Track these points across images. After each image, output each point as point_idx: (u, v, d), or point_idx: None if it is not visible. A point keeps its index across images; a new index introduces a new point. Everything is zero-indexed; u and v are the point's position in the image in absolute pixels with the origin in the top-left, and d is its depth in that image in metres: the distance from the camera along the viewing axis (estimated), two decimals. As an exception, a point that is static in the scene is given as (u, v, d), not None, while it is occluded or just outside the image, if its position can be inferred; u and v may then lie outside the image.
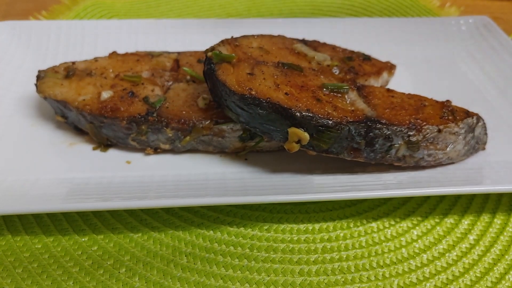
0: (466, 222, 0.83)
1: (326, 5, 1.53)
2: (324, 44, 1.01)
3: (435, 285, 0.73)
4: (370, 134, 0.77)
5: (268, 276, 0.73)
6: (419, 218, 0.83)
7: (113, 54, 1.01)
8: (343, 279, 0.73)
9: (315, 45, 1.00)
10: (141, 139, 0.88)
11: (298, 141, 0.77)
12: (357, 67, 0.96)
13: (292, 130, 0.76)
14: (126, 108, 0.87)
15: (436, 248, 0.78)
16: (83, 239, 0.78)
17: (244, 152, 0.90)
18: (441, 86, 1.12)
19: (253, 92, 0.76)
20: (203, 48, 0.98)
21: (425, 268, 0.75)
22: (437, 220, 0.83)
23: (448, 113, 0.82)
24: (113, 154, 0.91)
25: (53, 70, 0.96)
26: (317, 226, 0.81)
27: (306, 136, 0.76)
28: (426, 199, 0.87)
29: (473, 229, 0.82)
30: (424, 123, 0.79)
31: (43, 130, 0.96)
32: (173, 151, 0.91)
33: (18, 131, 0.95)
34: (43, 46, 1.17)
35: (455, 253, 0.78)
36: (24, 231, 0.79)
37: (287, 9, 1.51)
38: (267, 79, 0.80)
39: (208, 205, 0.83)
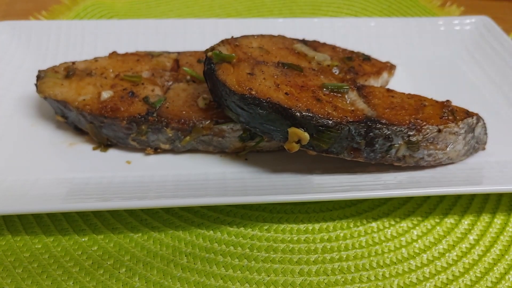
0: (466, 222, 0.83)
1: (326, 5, 1.53)
2: (324, 44, 1.01)
3: (435, 285, 0.73)
4: (370, 134, 0.77)
5: (268, 276, 0.73)
6: (419, 218, 0.83)
7: (113, 54, 1.01)
8: (343, 279, 0.73)
9: (315, 45, 1.00)
10: (141, 139, 0.88)
11: (298, 141, 0.77)
12: (357, 67, 0.96)
13: (292, 130, 0.76)
14: (126, 108, 0.87)
15: (436, 248, 0.78)
16: (83, 239, 0.78)
17: (244, 152, 0.90)
18: (441, 86, 1.12)
19: (253, 92, 0.76)
20: (203, 48, 0.98)
21: (425, 268, 0.75)
22: (437, 220, 0.83)
23: (448, 113, 0.82)
24: (113, 154, 0.91)
25: (53, 70, 0.96)
26: (317, 226, 0.81)
27: (306, 136, 0.76)
28: (426, 199, 0.87)
29: (473, 229, 0.82)
30: (424, 123, 0.79)
31: (43, 130, 0.96)
32: (173, 151, 0.91)
33: (18, 131, 0.95)
34: (43, 46, 1.17)
35: (455, 253, 0.78)
36: (24, 231, 0.79)
37: (287, 9, 1.51)
38: (267, 79, 0.80)
39: (208, 205, 0.83)
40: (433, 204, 0.86)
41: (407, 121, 0.79)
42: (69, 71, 0.95)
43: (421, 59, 1.22)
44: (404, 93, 0.87)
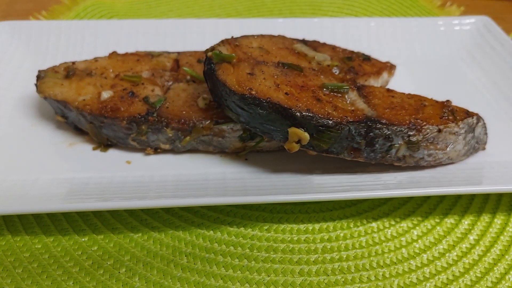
0: (466, 222, 0.83)
1: (326, 5, 1.53)
2: (324, 44, 1.01)
3: (435, 285, 0.73)
4: (370, 134, 0.77)
5: (268, 276, 0.73)
6: (419, 218, 0.83)
7: (113, 54, 1.01)
8: (343, 279, 0.73)
9: (315, 45, 1.00)
10: (141, 139, 0.88)
11: (298, 141, 0.77)
12: (357, 67, 0.96)
13: (292, 130, 0.76)
14: (126, 108, 0.87)
15: (436, 248, 0.78)
16: (83, 239, 0.78)
17: (244, 152, 0.90)
18: (441, 86, 1.12)
19: (253, 92, 0.76)
20: (203, 48, 0.98)
21: (425, 268, 0.75)
22: (437, 220, 0.83)
23: (448, 113, 0.82)
24: (113, 154, 0.91)
25: (53, 70, 0.96)
26: (317, 226, 0.81)
27: (306, 136, 0.76)
28: (426, 199, 0.87)
29: (473, 229, 0.82)
30: (424, 123, 0.79)
31: (43, 130, 0.96)
32: (173, 151, 0.91)
33: (18, 131, 0.95)
34: (43, 46, 1.17)
35: (455, 253, 0.78)
36: (24, 231, 0.79)
37: (287, 9, 1.51)
38: (267, 79, 0.80)
39: (208, 205, 0.83)
40: (433, 204, 0.86)
41: (407, 121, 0.79)
42: (69, 71, 0.95)
43: (421, 59, 1.22)
44: (404, 93, 0.87)
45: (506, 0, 1.62)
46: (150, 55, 1.01)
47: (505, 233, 0.81)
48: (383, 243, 0.79)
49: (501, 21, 1.35)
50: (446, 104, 0.85)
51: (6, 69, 1.08)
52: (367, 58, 1.01)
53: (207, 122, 0.86)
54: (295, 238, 0.79)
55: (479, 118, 0.86)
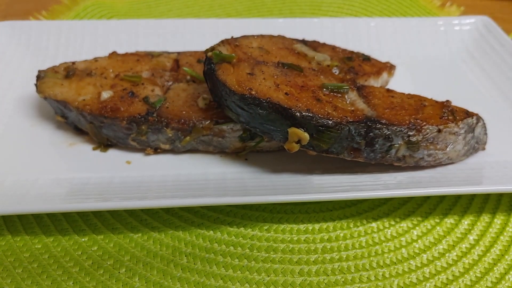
0: (466, 222, 0.83)
1: (326, 5, 1.53)
2: (324, 44, 1.01)
3: (435, 285, 0.73)
4: (370, 134, 0.77)
5: (268, 276, 0.73)
6: (419, 218, 0.83)
7: (113, 54, 1.01)
8: (343, 279, 0.73)
9: (315, 45, 1.00)
10: (141, 139, 0.88)
11: (298, 141, 0.77)
12: (357, 67, 0.96)
13: (292, 130, 0.76)
14: (126, 108, 0.87)
15: (436, 248, 0.78)
16: (83, 239, 0.78)
17: (244, 152, 0.90)
18: (441, 86, 1.12)
19: (253, 92, 0.76)
20: (203, 48, 0.98)
21: (425, 268, 0.75)
22: (437, 220, 0.83)
23: (448, 113, 0.82)
24: (113, 154, 0.91)
25: (53, 70, 0.96)
26: (317, 226, 0.81)
27: (306, 136, 0.76)
28: (426, 199, 0.87)
29: (473, 229, 0.82)
30: (424, 123, 0.79)
31: (43, 130, 0.96)
32: (173, 151, 0.91)
33: (18, 131, 0.95)
34: (43, 46, 1.17)
35: (455, 253, 0.78)
36: (24, 231, 0.79)
37: (287, 9, 1.51)
38: (267, 79, 0.80)
39: (208, 205, 0.83)
40: (433, 204, 0.86)
41: (407, 121, 0.79)
42: (69, 71, 0.95)
43: (421, 59, 1.22)
44: (404, 93, 0.87)
45: (506, 0, 1.62)
46: (150, 55, 1.01)
47: (505, 233, 0.81)
48: (383, 243, 0.79)
49: (501, 21, 1.35)
50: (446, 104, 0.85)
51: (6, 69, 1.08)
52: (367, 58, 1.01)
53: (207, 122, 0.86)
54: (295, 238, 0.79)
55: (479, 118, 0.86)
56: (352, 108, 0.80)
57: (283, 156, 0.90)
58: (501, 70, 1.13)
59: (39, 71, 0.96)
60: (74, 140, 0.94)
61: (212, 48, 0.84)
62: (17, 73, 1.09)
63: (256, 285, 0.72)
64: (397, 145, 0.79)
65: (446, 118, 0.81)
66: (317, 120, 0.75)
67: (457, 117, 0.82)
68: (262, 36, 0.95)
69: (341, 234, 0.80)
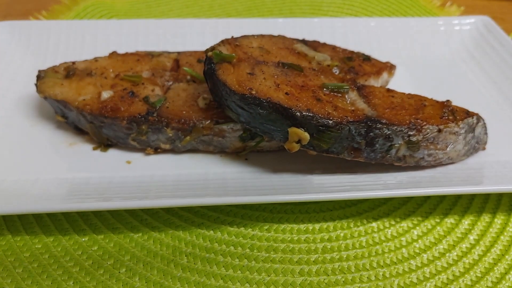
0: (466, 222, 0.83)
1: (326, 5, 1.53)
2: (324, 44, 1.01)
3: (435, 285, 0.73)
4: (371, 134, 0.77)
5: (268, 276, 0.73)
6: (419, 218, 0.83)
7: (113, 54, 1.01)
8: (343, 279, 0.73)
9: (315, 45, 1.00)
10: (141, 139, 0.88)
11: (299, 141, 0.77)
12: (357, 67, 0.96)
13: (293, 130, 0.76)
14: (126, 108, 0.87)
15: (437, 248, 0.78)
16: (83, 239, 0.78)
17: (244, 152, 0.90)
18: (441, 86, 1.12)
19: (254, 92, 0.76)
20: (203, 48, 0.98)
21: (426, 268, 0.75)
22: (437, 220, 0.83)
23: (448, 113, 0.82)
24: (113, 154, 0.91)
25: (53, 70, 0.96)
26: (317, 226, 0.81)
27: (306, 136, 0.76)
28: (426, 199, 0.87)
29: (473, 229, 0.82)
30: (424, 123, 0.79)
31: (43, 130, 0.96)
32: (173, 151, 0.91)
33: (18, 131, 0.95)
34: (43, 46, 1.17)
35: (455, 253, 0.78)
36: (24, 231, 0.79)
37: (287, 9, 1.51)
38: (267, 79, 0.80)
39: (208, 205, 0.83)
40: (433, 204, 0.86)
41: (407, 121, 0.79)
42: (69, 71, 0.95)
43: (421, 59, 1.22)
44: (404, 93, 0.87)
45: (506, 0, 1.62)
46: (150, 55, 1.01)
47: (505, 233, 0.81)
48: (383, 243, 0.79)
49: (501, 21, 1.35)
50: (446, 104, 0.85)
51: (6, 69, 1.08)
52: (367, 58, 1.01)
53: (207, 122, 0.86)
54: (295, 238, 0.79)
55: (479, 118, 0.86)
56: (353, 108, 0.80)
57: (283, 156, 0.90)
58: (501, 70, 1.13)
59: (39, 71, 0.96)
60: (74, 140, 0.94)
61: (212, 48, 0.84)
62: (17, 73, 1.09)
63: (256, 285, 0.72)
64: (397, 145, 0.79)
65: (446, 118, 0.81)
66: (317, 120, 0.75)
67: (458, 117, 0.82)
68: (262, 36, 0.95)
69: (341, 234, 0.80)
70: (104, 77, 0.94)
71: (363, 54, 1.02)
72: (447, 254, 0.77)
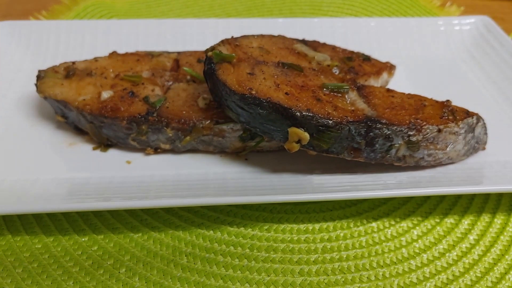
0: (466, 222, 0.83)
1: (326, 5, 1.53)
2: (324, 44, 1.01)
3: (435, 285, 0.73)
4: (370, 134, 0.77)
5: (268, 276, 0.73)
6: (419, 218, 0.83)
7: (113, 54, 1.01)
8: (343, 279, 0.73)
9: (315, 45, 1.00)
10: (141, 139, 0.88)
11: (298, 141, 0.77)
12: (357, 67, 0.96)
13: (293, 130, 0.76)
14: (126, 108, 0.87)
15: (436, 248, 0.78)
16: (83, 239, 0.78)
17: (244, 152, 0.90)
18: (441, 86, 1.12)
19: (254, 92, 0.76)
20: (203, 48, 0.98)
21: (425, 268, 0.75)
22: (437, 220, 0.83)
23: (448, 113, 0.82)
24: (113, 154, 0.91)
25: (53, 70, 0.96)
26: (317, 226, 0.81)
27: (306, 136, 0.76)
28: (426, 199, 0.87)
29: (473, 229, 0.82)
30: (424, 123, 0.79)
31: (43, 130, 0.96)
32: (173, 151, 0.91)
33: (18, 131, 0.95)
34: (43, 46, 1.17)
35: (455, 253, 0.78)
36: (24, 231, 0.79)
37: (287, 9, 1.51)
38: (267, 79, 0.80)
39: (208, 205, 0.83)
40: (433, 204, 0.86)
41: (407, 121, 0.79)
42: (69, 71, 0.95)
43: (421, 59, 1.22)
44: (404, 93, 0.87)
45: (506, 0, 1.62)
46: (150, 55, 1.01)
47: (505, 233, 0.81)
48: (383, 243, 0.79)
49: (501, 21, 1.35)
50: (446, 104, 0.85)
51: (6, 69, 1.08)
52: (367, 58, 1.01)
53: (207, 122, 0.86)
54: (295, 238, 0.79)
55: (479, 118, 0.86)
56: (352, 108, 0.80)
57: (283, 156, 0.90)
58: (501, 70, 1.13)
59: (39, 71, 0.96)
60: (74, 140, 0.94)
61: (212, 48, 0.84)
62: (17, 73, 1.09)
63: (256, 285, 0.72)
64: (397, 145, 0.79)
65: (446, 118, 0.81)
66: (317, 120, 0.75)
67: (457, 117, 0.82)
68: (262, 36, 0.95)
69: (341, 234, 0.80)
70: (104, 77, 0.94)
71: (363, 54, 1.02)
72: (447, 254, 0.77)
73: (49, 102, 0.93)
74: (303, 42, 1.00)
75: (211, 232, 0.80)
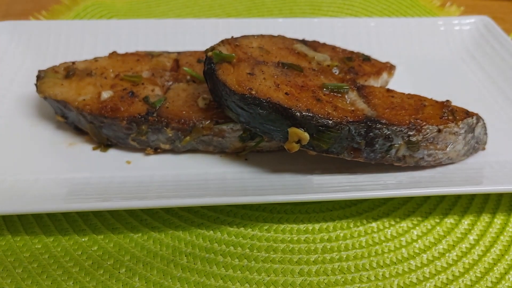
0: (466, 222, 0.83)
1: (326, 5, 1.53)
2: (324, 45, 1.01)
3: (435, 285, 0.73)
4: (370, 134, 0.77)
5: (268, 276, 0.73)
6: (419, 218, 0.83)
7: (113, 54, 1.01)
8: (343, 279, 0.73)
9: (315, 45, 1.00)
10: (141, 139, 0.88)
11: (298, 141, 0.77)
12: (357, 67, 0.96)
13: (292, 130, 0.76)
14: (126, 108, 0.87)
15: (436, 248, 0.78)
16: (83, 239, 0.78)
17: (244, 152, 0.90)
18: (441, 86, 1.12)
19: (253, 92, 0.76)
20: (203, 48, 0.98)
21: (425, 268, 0.75)
22: (437, 220, 0.83)
23: (448, 113, 0.82)
24: (113, 154, 0.91)
25: (53, 70, 0.96)
26: (317, 226, 0.81)
27: (306, 136, 0.76)
28: (426, 199, 0.87)
29: (473, 229, 0.82)
30: (424, 123, 0.79)
31: (43, 130, 0.96)
32: (173, 151, 0.91)
33: (18, 131, 0.95)
34: (43, 46, 1.17)
35: (455, 253, 0.78)
36: (24, 231, 0.79)
37: (287, 9, 1.51)
38: (267, 79, 0.80)
39: (208, 205, 0.83)
40: (433, 204, 0.86)
41: (407, 121, 0.79)
42: (69, 71, 0.95)
43: (421, 59, 1.22)
44: (404, 93, 0.87)
45: (506, 0, 1.62)
46: (150, 55, 1.01)
47: (505, 233, 0.81)
48: (383, 243, 0.79)
49: (501, 21, 1.35)
50: (446, 104, 0.85)
51: (6, 69, 1.08)
52: (367, 58, 1.01)
53: (207, 122, 0.86)
54: (295, 238, 0.79)
55: (479, 118, 0.86)
56: (352, 108, 0.80)
57: (283, 156, 0.90)
58: (501, 70, 1.13)
59: (39, 71, 0.96)
60: (74, 140, 0.94)
61: (212, 48, 0.84)
62: (17, 73, 1.09)
63: (256, 285, 0.72)
64: (397, 145, 0.79)
65: (446, 118, 0.81)
66: (317, 120, 0.75)
67: (457, 117, 0.82)
68: (262, 36, 0.95)
69: (341, 234, 0.80)
70: (104, 77, 0.94)
71: (363, 54, 1.02)
72: (447, 254, 0.77)
73: (49, 102, 0.93)
74: (303, 42, 1.00)
75: (211, 232, 0.80)
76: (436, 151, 0.82)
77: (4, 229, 0.79)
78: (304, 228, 0.81)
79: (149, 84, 0.93)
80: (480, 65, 1.18)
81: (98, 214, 0.82)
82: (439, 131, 0.80)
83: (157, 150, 0.91)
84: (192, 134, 0.86)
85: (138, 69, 0.97)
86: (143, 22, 1.24)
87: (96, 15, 1.42)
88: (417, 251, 0.78)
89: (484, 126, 0.88)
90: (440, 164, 0.86)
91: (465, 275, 0.74)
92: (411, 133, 0.78)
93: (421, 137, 0.79)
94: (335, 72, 0.91)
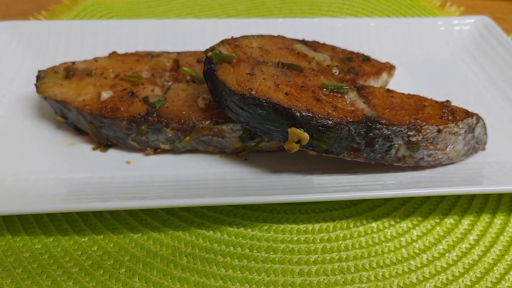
0: (466, 222, 0.83)
1: (326, 5, 1.53)
2: (324, 45, 1.01)
3: (435, 285, 0.73)
4: (370, 134, 0.77)
5: (268, 276, 0.73)
6: (419, 219, 0.83)
7: (113, 54, 1.01)
8: (343, 279, 0.73)
9: (315, 45, 1.00)
10: (141, 139, 0.88)
11: (298, 141, 0.77)
12: (356, 67, 0.96)
13: (292, 130, 0.76)
14: (126, 108, 0.87)
15: (436, 248, 0.78)
16: (83, 239, 0.78)
17: (244, 152, 0.90)
18: (441, 86, 1.12)
19: (253, 92, 0.76)
20: (203, 48, 0.98)
21: (425, 268, 0.75)
22: (437, 220, 0.83)
23: (448, 113, 0.82)
24: (113, 154, 0.91)
25: (53, 70, 0.96)
26: (317, 226, 0.81)
27: (306, 136, 0.76)
28: (426, 199, 0.87)
29: (473, 229, 0.82)
30: (424, 123, 0.79)
31: (43, 130, 0.96)
32: (173, 151, 0.91)
33: (18, 131, 0.95)
34: (43, 46, 1.17)
35: (455, 253, 0.78)
36: (24, 231, 0.79)
37: (287, 9, 1.51)
38: (267, 79, 0.80)
39: (208, 205, 0.83)
40: (433, 204, 0.86)
41: (407, 121, 0.79)
42: (69, 71, 0.95)
43: (421, 59, 1.22)
44: (404, 93, 0.87)
45: (506, 0, 1.62)
46: (150, 55, 1.01)
47: (505, 233, 0.81)
48: (383, 243, 0.79)
49: (501, 21, 1.35)
50: (446, 104, 0.85)
51: (6, 69, 1.08)
52: (366, 59, 1.01)
53: (207, 122, 0.86)
54: (295, 238, 0.79)
55: (479, 118, 0.86)
56: (352, 108, 0.80)
57: (283, 156, 0.90)
58: (501, 70, 1.13)
59: (39, 71, 0.96)
60: (74, 140, 0.94)
61: (212, 48, 0.84)
62: (17, 73, 1.09)
63: (256, 285, 0.72)
64: (397, 145, 0.79)
65: (446, 118, 0.81)
66: (317, 120, 0.75)
67: (457, 117, 0.82)
68: (262, 36, 0.95)
69: (341, 234, 0.80)
70: (104, 77, 0.94)
71: (363, 55, 1.02)
72: (447, 255, 0.77)
73: (49, 102, 0.93)
74: (303, 42, 1.00)
75: (211, 232, 0.80)
76: (436, 151, 0.82)
77: (4, 229, 0.79)
78: (304, 228, 0.81)
79: (149, 84, 0.93)
80: (480, 65, 1.18)
81: (98, 214, 0.82)
82: (439, 131, 0.80)
83: (157, 150, 0.91)
84: (192, 134, 0.86)
85: (138, 69, 0.97)
86: (143, 22, 1.24)
87: (96, 15, 1.42)
88: (417, 251, 0.78)
89: (484, 126, 0.88)
90: (440, 164, 0.86)
91: (465, 275, 0.74)
92: (411, 133, 0.78)
93: (421, 137, 0.79)
94: (335, 72, 0.91)
